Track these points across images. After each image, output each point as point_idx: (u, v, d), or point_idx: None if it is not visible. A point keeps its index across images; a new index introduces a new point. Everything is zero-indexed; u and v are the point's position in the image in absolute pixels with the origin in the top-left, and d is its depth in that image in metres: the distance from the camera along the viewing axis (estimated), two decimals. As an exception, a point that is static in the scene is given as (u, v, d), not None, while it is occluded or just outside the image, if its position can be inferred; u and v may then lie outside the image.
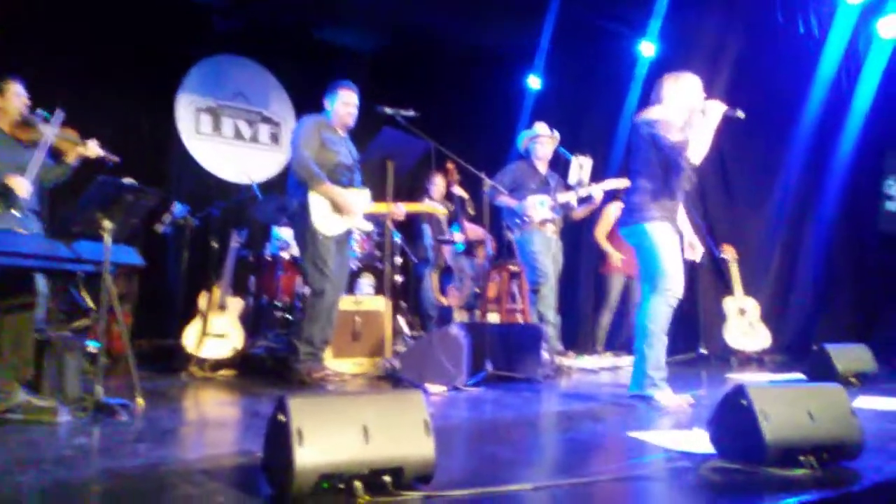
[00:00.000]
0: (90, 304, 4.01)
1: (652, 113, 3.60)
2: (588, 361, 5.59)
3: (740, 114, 3.45)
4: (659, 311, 3.51)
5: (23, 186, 3.46)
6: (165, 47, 6.39)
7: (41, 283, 3.38)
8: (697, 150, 3.45)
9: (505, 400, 3.75)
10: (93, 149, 3.78)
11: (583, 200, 5.38)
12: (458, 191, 5.68)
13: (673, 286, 3.50)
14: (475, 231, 5.92)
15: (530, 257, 5.32)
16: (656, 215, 3.54)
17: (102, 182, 3.11)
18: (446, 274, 6.27)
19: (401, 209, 4.54)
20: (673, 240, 3.57)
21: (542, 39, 6.96)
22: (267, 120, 7.23)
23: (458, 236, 6.02)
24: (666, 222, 3.55)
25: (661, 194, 3.56)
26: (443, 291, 6.24)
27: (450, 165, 5.08)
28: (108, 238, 3.07)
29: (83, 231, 3.10)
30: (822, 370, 4.17)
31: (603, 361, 5.60)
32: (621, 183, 5.90)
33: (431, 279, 6.07)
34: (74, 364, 3.36)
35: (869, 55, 5.81)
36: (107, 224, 3.07)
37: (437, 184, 6.25)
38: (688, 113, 3.57)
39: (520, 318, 5.57)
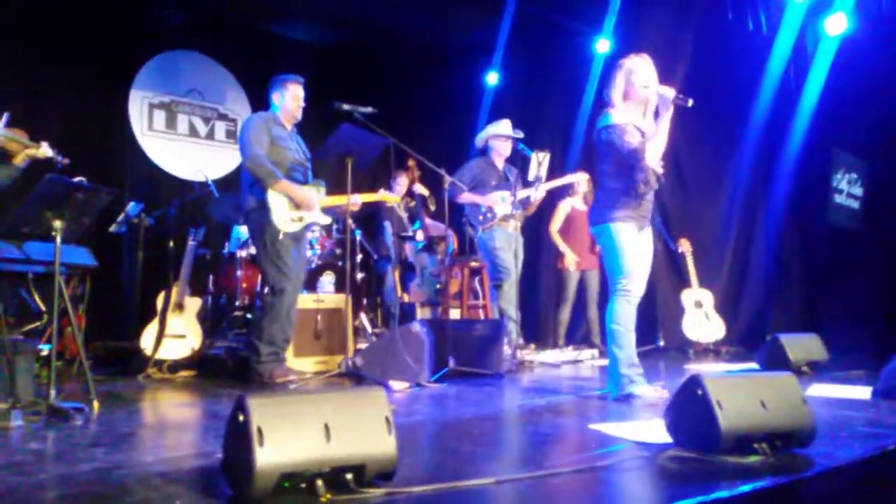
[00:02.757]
0: (41, 306, 3.92)
1: (608, 118, 3.61)
2: (549, 356, 5.65)
3: (690, 102, 3.45)
4: (621, 312, 3.55)
5: None
6: (118, 42, 6.25)
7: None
8: (654, 151, 3.48)
9: (467, 395, 3.76)
10: (42, 150, 3.68)
11: (522, 202, 5.39)
12: (419, 188, 5.68)
13: (632, 287, 3.55)
14: (436, 228, 5.93)
15: (492, 254, 5.34)
16: (621, 216, 3.57)
17: (52, 180, 3.03)
18: (408, 271, 6.27)
19: (356, 200, 4.50)
20: (635, 241, 3.59)
21: (500, 35, 7.00)
22: (223, 116, 7.13)
23: (419, 233, 6.02)
24: (631, 223, 3.58)
25: (627, 195, 3.58)
26: (404, 288, 6.24)
27: (411, 162, 5.07)
28: (58, 238, 2.99)
29: (33, 231, 3.02)
30: (775, 360, 4.28)
31: (564, 355, 5.66)
32: (574, 178, 5.98)
33: (393, 276, 6.06)
34: (26, 367, 3.27)
35: (816, 52, 5.97)
36: (57, 224, 2.99)
37: (401, 183, 6.25)
38: (644, 99, 3.59)
39: (481, 314, 5.60)
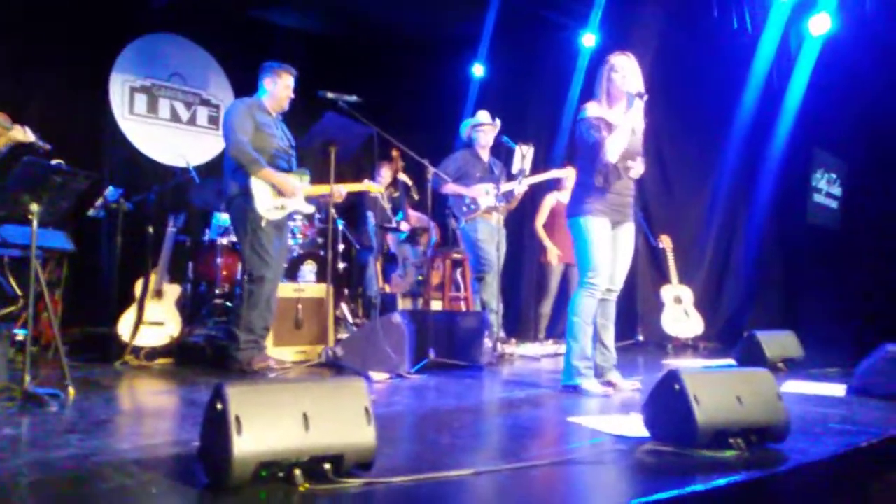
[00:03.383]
0: (17, 290, 3.86)
1: (582, 112, 3.68)
2: (529, 349, 5.67)
3: (644, 96, 3.51)
4: (583, 304, 3.61)
5: None
6: (99, 24, 6.15)
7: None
8: (611, 147, 3.52)
9: (447, 387, 3.77)
10: (24, 134, 3.62)
11: (506, 195, 5.40)
12: (403, 177, 5.66)
13: (598, 281, 3.59)
14: (419, 219, 5.92)
15: (475, 245, 5.35)
16: (593, 209, 3.60)
17: (29, 163, 2.98)
18: (390, 262, 6.25)
19: (341, 190, 4.48)
20: (607, 235, 3.62)
21: (486, 28, 6.98)
22: (205, 102, 7.05)
23: (402, 224, 6.01)
24: (602, 217, 3.61)
25: (599, 190, 3.62)
26: (386, 279, 6.23)
27: (395, 152, 5.05)
28: (35, 222, 2.95)
29: (9, 214, 2.98)
30: (752, 356, 4.33)
31: (544, 349, 5.69)
32: (559, 173, 5.99)
33: (375, 267, 6.05)
34: (1, 352, 3.23)
35: (800, 52, 6.02)
36: (34, 207, 2.94)
37: (384, 174, 6.22)
38: (617, 97, 3.62)
39: (463, 306, 5.61)
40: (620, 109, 3.63)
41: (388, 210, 6.31)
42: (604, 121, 3.60)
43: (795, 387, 3.67)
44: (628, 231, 3.75)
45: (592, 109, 3.64)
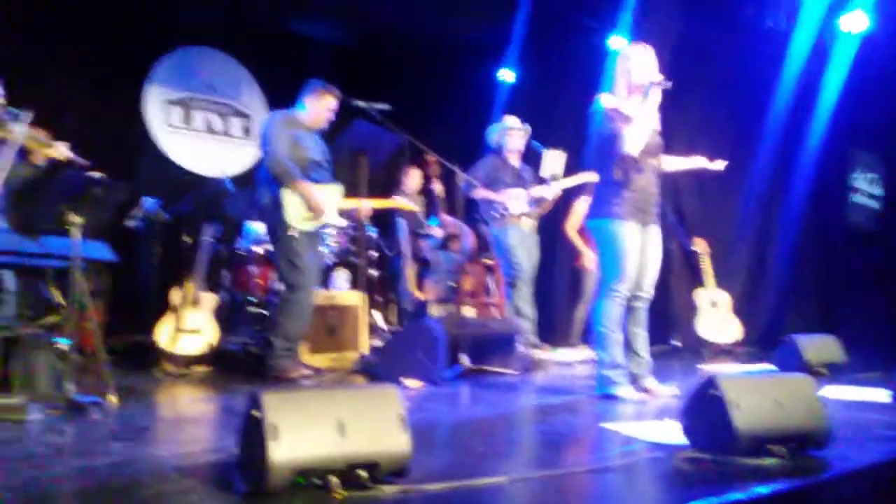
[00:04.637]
0: (60, 300, 3.95)
1: (595, 103, 3.57)
2: (563, 354, 5.63)
3: (668, 84, 3.38)
4: (608, 312, 3.50)
5: None
6: (135, 38, 6.28)
7: (9, 279, 3.32)
8: (630, 139, 3.38)
9: (481, 394, 3.76)
10: (62, 151, 3.72)
11: (537, 200, 5.37)
12: (437, 186, 5.67)
13: (623, 288, 3.48)
14: (454, 224, 5.91)
15: (506, 251, 5.33)
16: (618, 211, 3.47)
17: (70, 176, 3.06)
18: (424, 267, 6.27)
19: (367, 206, 4.51)
20: (635, 239, 3.49)
21: (515, 33, 6.97)
22: (239, 113, 7.16)
23: (436, 230, 6.02)
24: (632, 220, 3.48)
25: (620, 185, 3.48)
26: (420, 285, 6.24)
27: (430, 158, 5.06)
28: (76, 233, 3.02)
29: (52, 226, 3.05)
30: (791, 361, 4.24)
31: (578, 354, 5.64)
32: (590, 177, 5.94)
33: (407, 273, 6.07)
34: (44, 362, 3.30)
35: (835, 51, 5.91)
36: (75, 219, 3.01)
37: (412, 177, 6.23)
38: (634, 88, 3.52)
39: (495, 312, 5.60)
40: (636, 101, 3.52)
41: (421, 215, 6.33)
42: (619, 112, 3.48)
43: (837, 392, 3.59)
44: (655, 233, 3.62)
45: (607, 100, 3.53)
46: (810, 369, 4.09)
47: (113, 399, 3.18)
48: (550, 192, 5.36)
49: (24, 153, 3.66)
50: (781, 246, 6.42)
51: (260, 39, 7.06)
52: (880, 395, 3.51)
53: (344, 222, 4.60)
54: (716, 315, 5.90)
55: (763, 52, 6.11)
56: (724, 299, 5.97)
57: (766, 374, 3.28)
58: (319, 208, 4.26)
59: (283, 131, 4.25)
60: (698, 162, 3.73)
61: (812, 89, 6.08)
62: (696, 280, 6.19)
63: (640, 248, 3.54)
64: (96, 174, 3.18)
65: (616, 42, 6.59)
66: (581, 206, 6.28)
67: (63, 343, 3.82)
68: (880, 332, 5.54)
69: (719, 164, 3.68)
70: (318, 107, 4.38)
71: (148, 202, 5.16)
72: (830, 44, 5.93)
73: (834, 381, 4.00)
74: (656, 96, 3.43)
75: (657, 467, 2.14)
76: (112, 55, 6.12)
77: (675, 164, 3.76)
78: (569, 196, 6.15)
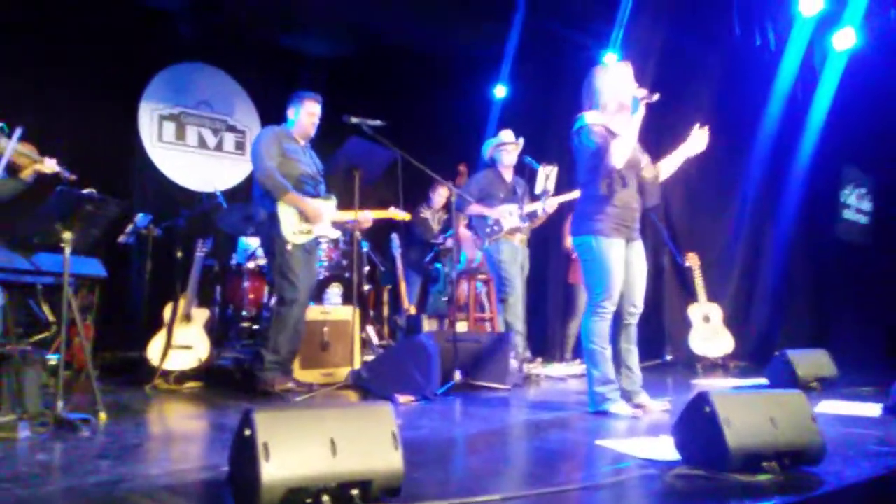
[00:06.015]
0: (50, 316, 3.93)
1: (580, 120, 3.59)
2: (556, 369, 5.63)
3: (655, 96, 3.39)
4: (596, 329, 3.50)
5: None
6: (128, 54, 6.30)
7: (-1, 295, 3.30)
8: (616, 151, 3.40)
9: (474, 409, 3.75)
10: (50, 165, 3.73)
11: (530, 215, 5.39)
12: (452, 192, 5.66)
13: (609, 304, 3.48)
14: (467, 238, 5.87)
15: (498, 267, 5.33)
16: (602, 227, 3.48)
17: (62, 193, 3.05)
18: (432, 281, 6.28)
19: (367, 217, 4.52)
20: (620, 255, 3.50)
21: (508, 49, 7.02)
22: (232, 128, 7.17)
23: (448, 241, 6.01)
24: (613, 236, 3.48)
25: (604, 201, 3.50)
26: (423, 299, 6.25)
27: (462, 168, 5.02)
28: (67, 249, 3.01)
29: (43, 242, 3.04)
30: (783, 375, 4.25)
31: (570, 369, 5.64)
32: (574, 196, 5.97)
33: (400, 288, 6.07)
34: (34, 378, 3.27)
35: (824, 68, 5.97)
36: (66, 235, 3.01)
37: (440, 194, 6.29)
38: (618, 105, 3.53)
39: (488, 327, 5.59)
40: (618, 117, 3.53)
41: (436, 229, 6.36)
42: (605, 127, 3.51)
43: (830, 407, 3.60)
44: (639, 248, 3.64)
45: (591, 116, 3.55)
46: (802, 384, 4.09)
47: (103, 416, 3.16)
48: (543, 206, 5.37)
49: (12, 168, 3.66)
50: (773, 261, 6.45)
51: (254, 55, 7.09)
52: (872, 409, 3.52)
53: (338, 234, 4.61)
54: (708, 329, 5.91)
55: (753, 70, 6.17)
56: (716, 313, 5.98)
57: (758, 390, 3.28)
58: (316, 214, 4.27)
59: (272, 146, 4.27)
60: (684, 149, 3.67)
61: (802, 106, 6.14)
62: (689, 295, 6.20)
63: (626, 263, 3.55)
64: (88, 190, 3.18)
65: (609, 58, 6.66)
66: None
67: (53, 359, 3.81)
68: (872, 346, 5.56)
69: (701, 135, 3.60)
70: (303, 115, 4.41)
71: (140, 218, 5.15)
72: (820, 61, 6.00)
73: (826, 395, 4.01)
74: (642, 111, 3.45)
75: (650, 484, 2.13)
76: (106, 71, 6.13)
77: (670, 164, 3.72)
78: (563, 211, 6.17)
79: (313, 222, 4.29)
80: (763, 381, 4.57)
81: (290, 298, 4.22)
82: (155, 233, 5.18)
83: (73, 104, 5.88)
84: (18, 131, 3.58)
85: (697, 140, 3.61)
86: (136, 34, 6.30)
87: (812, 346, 4.68)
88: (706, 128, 3.57)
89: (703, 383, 4.94)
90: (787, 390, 2.44)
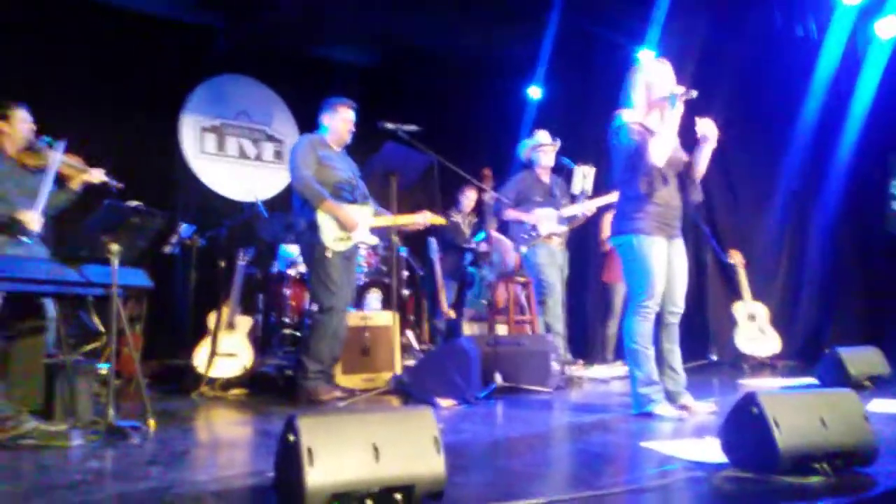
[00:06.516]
0: (100, 327, 4.03)
1: (617, 119, 3.57)
2: (598, 371, 5.57)
3: (693, 93, 3.34)
4: (639, 329, 3.47)
5: (34, 221, 3.49)
6: (169, 68, 6.46)
7: (50, 307, 3.40)
8: (656, 149, 3.37)
9: (515, 412, 3.74)
10: (97, 175, 3.82)
11: (568, 219, 5.35)
12: (489, 195, 5.65)
13: (652, 304, 3.44)
14: (497, 241, 5.87)
15: (536, 270, 5.32)
16: (643, 226, 3.45)
17: (109, 206, 3.13)
18: (468, 286, 6.27)
19: (426, 217, 4.51)
20: (662, 254, 3.47)
21: (542, 49, 6.99)
22: (271, 138, 7.27)
23: (482, 245, 6.01)
24: (658, 234, 3.46)
25: (644, 200, 3.47)
26: (461, 301, 6.24)
27: (486, 171, 5.03)
28: (115, 261, 3.09)
29: (91, 255, 3.12)
30: (834, 374, 4.14)
31: (613, 371, 5.57)
32: (613, 198, 5.90)
33: (439, 292, 6.08)
34: (85, 387, 3.37)
35: (868, 56, 5.81)
36: (114, 247, 3.08)
37: (468, 196, 6.29)
38: (655, 103, 3.50)
39: (528, 329, 5.56)
40: (656, 115, 3.52)
41: (467, 233, 6.35)
42: (643, 125, 3.49)
43: (882, 406, 3.49)
44: (680, 246, 3.61)
45: (629, 115, 3.53)
46: (854, 383, 3.98)
47: (152, 423, 3.23)
48: (581, 209, 5.34)
49: (60, 180, 3.77)
50: (820, 256, 6.29)
51: (291, 66, 7.19)
52: (928, 408, 3.40)
53: (376, 240, 4.63)
54: (754, 328, 5.80)
55: (794, 60, 6.04)
56: (762, 312, 5.86)
57: (808, 389, 3.20)
58: (352, 222, 4.30)
59: (308, 155, 4.31)
60: (705, 142, 3.55)
61: (844, 96, 5.99)
62: (733, 293, 6.09)
63: (667, 262, 3.51)
64: (134, 203, 3.26)
65: (644, 55, 6.58)
66: (609, 219, 6.25)
67: (103, 368, 3.91)
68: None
69: (706, 126, 3.47)
70: (338, 122, 4.44)
71: (184, 228, 5.25)
72: (863, 50, 5.84)
73: (879, 394, 3.89)
74: (680, 107, 3.41)
75: (697, 487, 2.10)
76: (148, 86, 6.28)
77: (700, 161, 3.62)
78: (600, 211, 6.12)
79: (349, 230, 4.32)
80: (813, 380, 4.46)
81: (328, 306, 4.25)
82: (198, 243, 5.28)
83: (117, 119, 6.04)
84: (63, 143, 3.69)
85: (707, 132, 3.50)
86: (177, 47, 6.45)
87: (864, 343, 4.55)
88: (707, 119, 3.48)
89: (750, 383, 4.84)
90: (838, 389, 2.38)
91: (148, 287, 3.51)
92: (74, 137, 3.81)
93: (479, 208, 5.99)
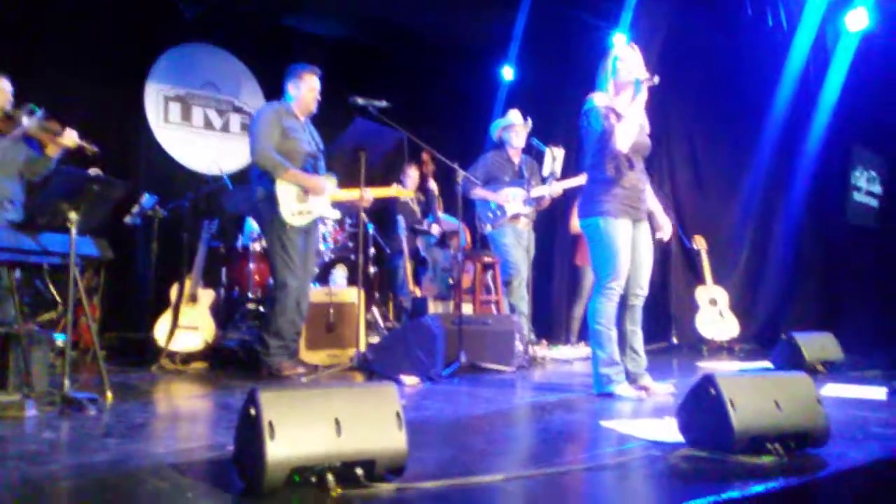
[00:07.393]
0: (56, 296, 3.95)
1: (588, 102, 3.61)
2: (562, 352, 5.63)
3: (655, 79, 3.41)
4: (603, 310, 3.51)
5: None
6: (133, 35, 6.27)
7: (5, 276, 3.31)
8: (621, 135, 3.43)
9: (478, 391, 3.76)
10: (71, 138, 3.74)
11: (535, 199, 5.37)
12: (433, 186, 5.66)
13: (617, 285, 3.50)
14: (447, 223, 5.91)
15: (502, 250, 5.33)
16: (610, 208, 3.49)
17: (67, 173, 3.05)
18: (420, 265, 6.26)
19: (368, 194, 4.48)
20: (627, 236, 3.52)
21: (516, 30, 6.96)
22: (238, 109, 7.14)
23: (433, 227, 6.01)
24: (621, 217, 3.50)
25: (611, 183, 3.52)
26: (417, 282, 6.24)
27: (425, 156, 5.05)
28: (74, 230, 3.01)
29: (49, 223, 3.04)
30: (789, 358, 4.25)
31: (576, 352, 5.64)
32: (581, 180, 5.94)
33: (405, 270, 6.06)
34: (41, 358, 3.29)
35: (837, 48, 5.90)
36: (73, 216, 3.01)
37: (412, 175, 6.22)
38: (623, 87, 3.56)
39: (494, 309, 5.59)
40: (626, 99, 3.56)
41: (419, 213, 6.32)
42: (612, 109, 3.53)
43: (835, 390, 3.59)
44: (646, 230, 3.66)
45: (600, 99, 3.57)
46: (808, 367, 4.09)
47: (109, 395, 3.18)
48: (549, 191, 5.35)
49: (39, 146, 3.70)
50: (782, 243, 6.43)
51: (259, 36, 7.04)
52: (877, 392, 3.51)
53: (337, 214, 4.58)
54: (714, 312, 5.91)
55: (764, 50, 6.11)
56: (723, 296, 5.97)
57: (763, 373, 3.27)
58: (319, 186, 4.23)
59: (271, 125, 4.21)
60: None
61: (813, 87, 6.08)
62: (696, 278, 6.19)
63: (633, 244, 3.56)
64: (94, 170, 3.18)
65: (618, 39, 6.59)
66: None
67: (60, 339, 3.83)
68: (878, 329, 5.54)
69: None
70: (303, 90, 4.33)
71: (146, 199, 5.15)
72: (833, 42, 5.93)
73: (832, 379, 4.00)
74: (644, 93, 3.45)
75: (654, 465, 2.13)
76: (111, 52, 6.11)
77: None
78: (569, 194, 6.15)
79: (316, 195, 4.24)
80: (769, 364, 4.56)
81: (283, 281, 4.19)
82: (161, 214, 5.18)
83: (79, 86, 5.87)
84: (40, 112, 3.63)
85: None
86: (141, 14, 6.27)
87: (819, 329, 4.66)
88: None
89: (708, 366, 4.94)
90: (792, 373, 2.44)
91: (107, 258, 3.44)
92: (37, 104, 3.72)
93: (424, 187, 5.95)
